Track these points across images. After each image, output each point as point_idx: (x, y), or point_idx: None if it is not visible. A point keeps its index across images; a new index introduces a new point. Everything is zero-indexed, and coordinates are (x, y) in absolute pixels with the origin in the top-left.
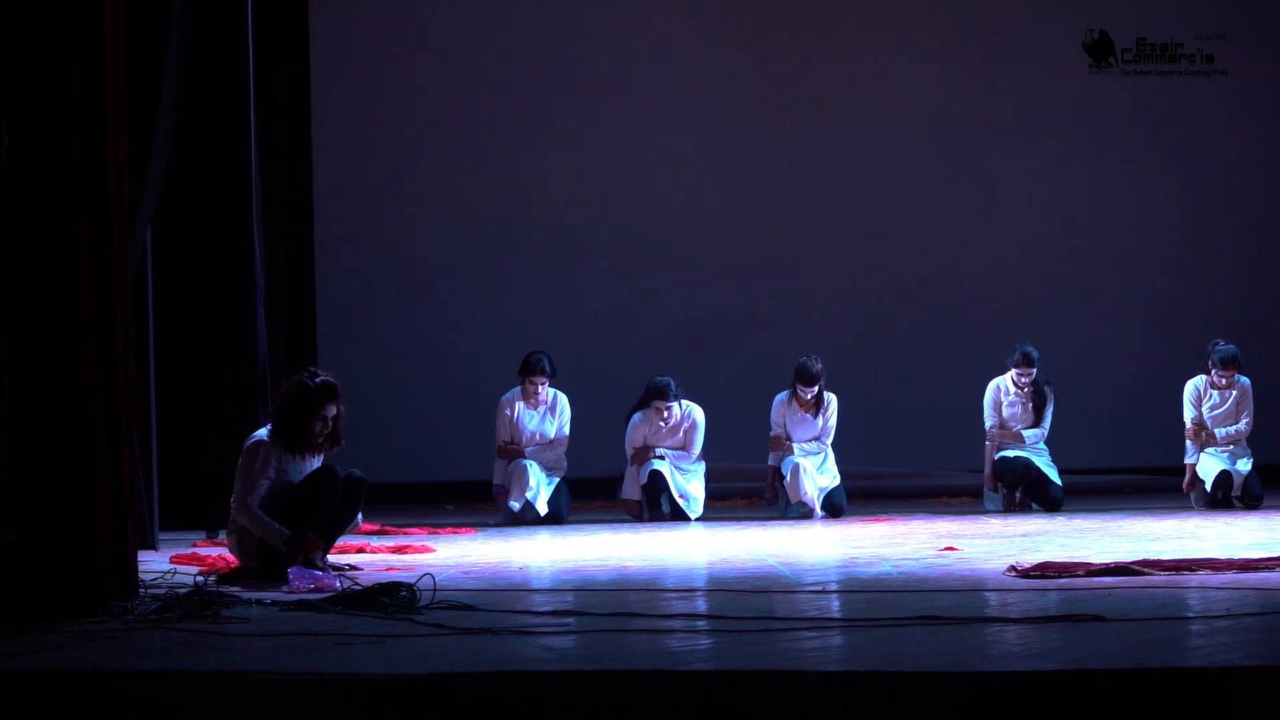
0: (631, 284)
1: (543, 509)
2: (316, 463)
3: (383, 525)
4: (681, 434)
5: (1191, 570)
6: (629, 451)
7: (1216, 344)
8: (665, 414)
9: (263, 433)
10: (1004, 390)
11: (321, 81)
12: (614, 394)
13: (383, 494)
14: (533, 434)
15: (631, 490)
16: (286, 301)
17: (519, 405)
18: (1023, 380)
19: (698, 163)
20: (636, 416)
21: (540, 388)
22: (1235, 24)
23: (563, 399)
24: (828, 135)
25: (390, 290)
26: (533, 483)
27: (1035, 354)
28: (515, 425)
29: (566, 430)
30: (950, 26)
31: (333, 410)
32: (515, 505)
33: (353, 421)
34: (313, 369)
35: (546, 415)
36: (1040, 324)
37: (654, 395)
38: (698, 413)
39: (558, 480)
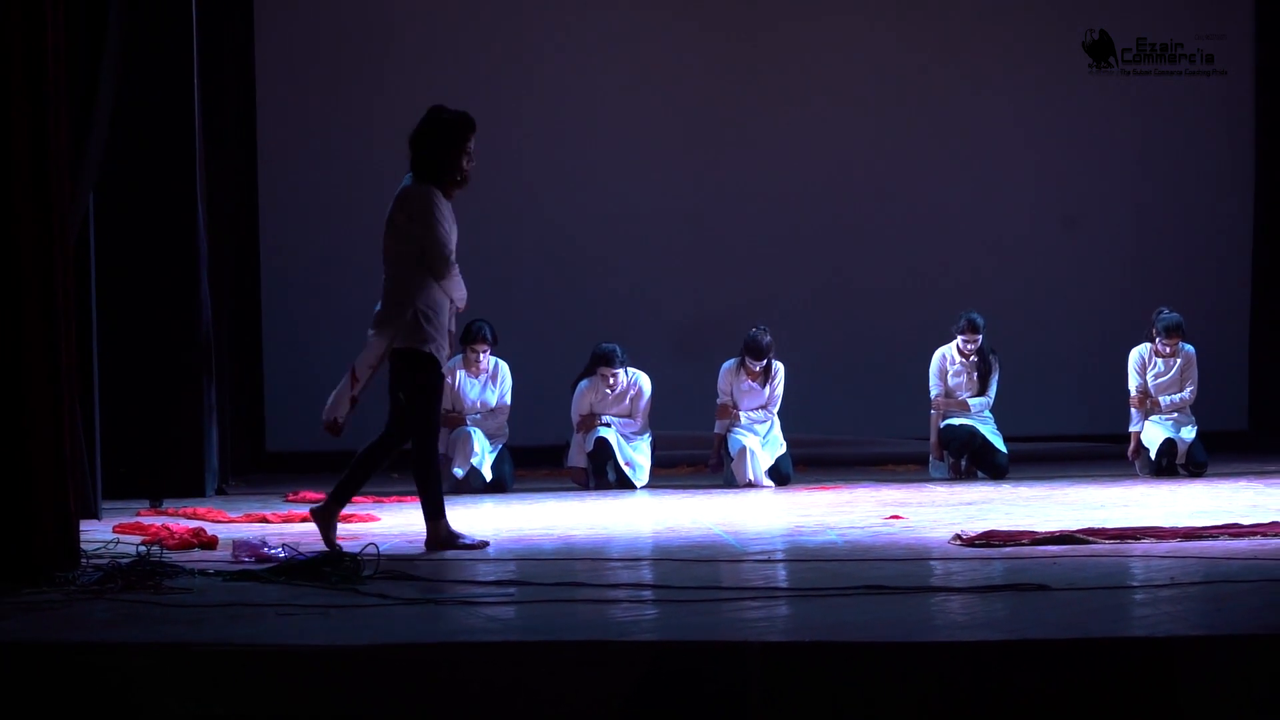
0: (577, 251)
1: (487, 474)
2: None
3: (327, 494)
4: (628, 401)
5: (1136, 539)
6: (575, 419)
7: (1160, 312)
8: (612, 381)
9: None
10: (949, 359)
11: (266, 48)
12: (559, 361)
13: (327, 462)
14: (474, 402)
15: (577, 458)
16: (230, 268)
17: (460, 373)
18: (968, 347)
19: (649, 137)
20: (583, 384)
21: (482, 355)
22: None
23: (504, 367)
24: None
25: (335, 257)
26: (477, 449)
27: (980, 321)
28: (457, 393)
29: (508, 398)
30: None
31: (473, 145)
32: (459, 472)
33: (297, 389)
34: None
35: (488, 383)
36: (986, 292)
37: (600, 362)
38: (644, 380)
39: (500, 447)
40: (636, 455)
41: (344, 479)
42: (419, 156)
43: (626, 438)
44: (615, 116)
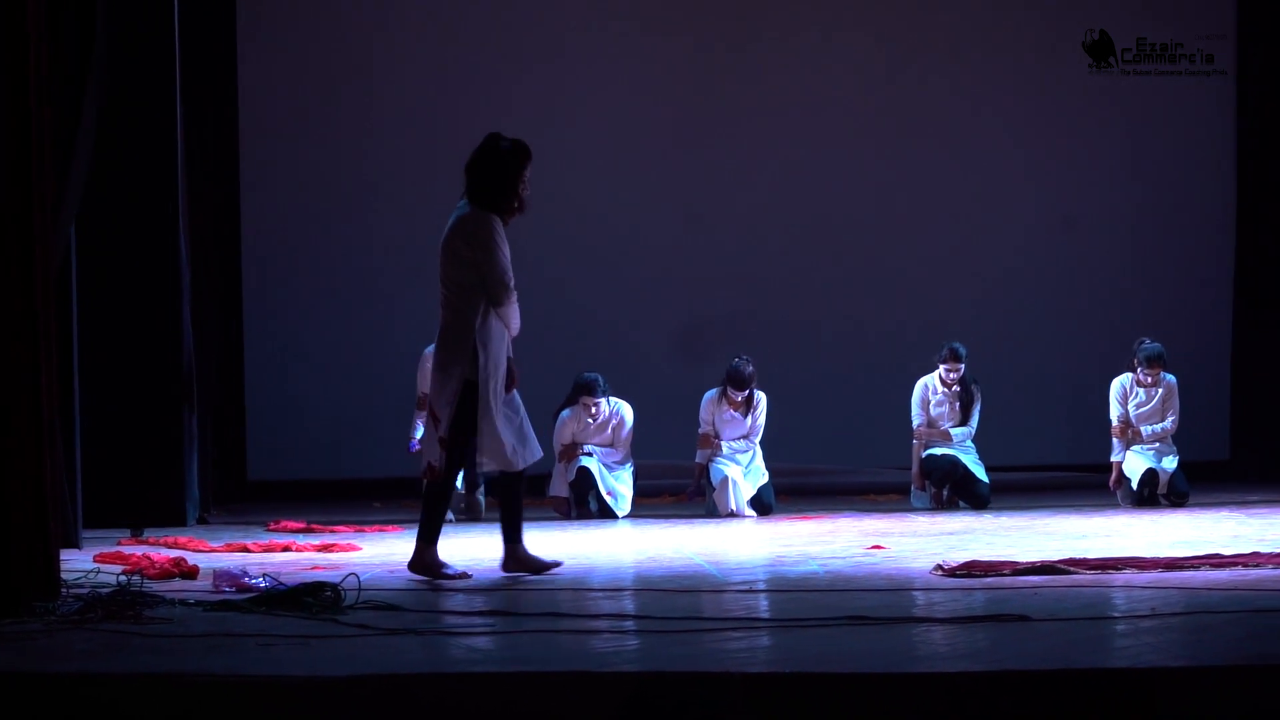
0: (559, 278)
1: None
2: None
3: (309, 523)
4: (610, 431)
5: (1117, 569)
6: (557, 448)
7: (1142, 342)
8: (593, 410)
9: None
10: (931, 389)
11: (249, 75)
12: (541, 390)
13: (309, 490)
14: None
15: (559, 487)
16: (212, 297)
17: None
18: (950, 376)
19: (634, 161)
20: (565, 413)
21: None
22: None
23: None
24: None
25: (317, 285)
26: None
27: (963, 350)
28: None
29: None
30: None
31: (529, 174)
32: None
33: (279, 418)
34: (495, 133)
35: None
36: (968, 322)
37: (582, 391)
38: (626, 410)
39: None
40: (618, 485)
41: (504, 519)
42: (475, 183)
43: (609, 467)
44: (603, 134)
